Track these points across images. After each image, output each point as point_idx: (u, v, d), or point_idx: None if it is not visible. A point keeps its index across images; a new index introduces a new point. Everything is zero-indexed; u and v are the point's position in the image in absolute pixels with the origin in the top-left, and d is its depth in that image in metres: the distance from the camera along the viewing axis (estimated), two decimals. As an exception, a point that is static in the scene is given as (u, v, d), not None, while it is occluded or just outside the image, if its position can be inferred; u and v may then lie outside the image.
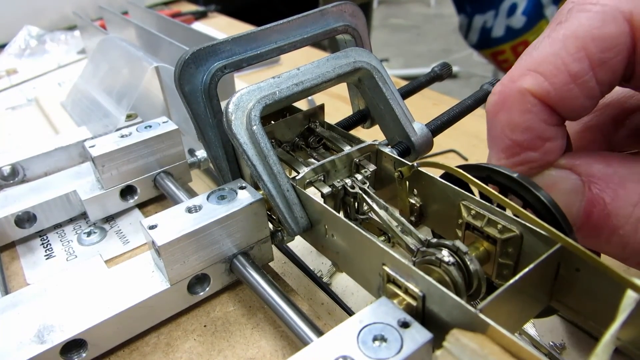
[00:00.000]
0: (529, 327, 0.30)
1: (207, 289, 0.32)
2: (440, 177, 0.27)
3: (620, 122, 0.29)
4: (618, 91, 0.28)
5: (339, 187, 0.29)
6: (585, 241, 0.24)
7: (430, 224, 0.30)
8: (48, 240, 0.41)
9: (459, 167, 0.25)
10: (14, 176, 0.46)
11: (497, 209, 0.24)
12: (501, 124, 0.24)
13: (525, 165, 0.25)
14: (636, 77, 0.23)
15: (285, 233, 0.33)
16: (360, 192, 0.29)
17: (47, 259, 0.39)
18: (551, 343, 0.30)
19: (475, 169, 0.25)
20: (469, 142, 0.55)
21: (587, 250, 0.20)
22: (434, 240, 0.24)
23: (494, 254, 0.25)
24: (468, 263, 0.23)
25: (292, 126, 0.35)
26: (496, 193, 0.23)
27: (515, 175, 0.23)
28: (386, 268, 0.24)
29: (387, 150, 0.31)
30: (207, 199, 0.32)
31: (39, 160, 0.47)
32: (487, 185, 0.24)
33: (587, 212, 0.23)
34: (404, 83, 0.40)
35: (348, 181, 0.30)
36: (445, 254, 0.23)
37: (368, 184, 0.30)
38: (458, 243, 0.23)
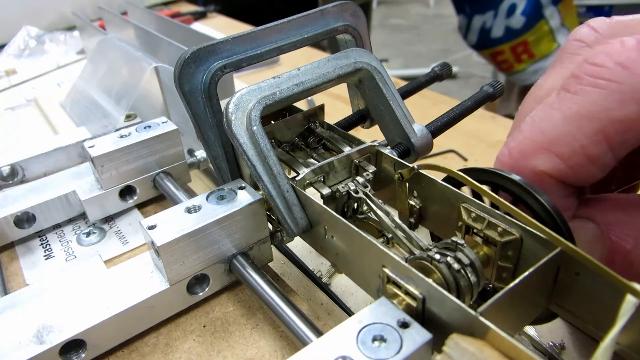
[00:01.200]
0: (529, 327, 0.30)
1: (207, 289, 0.32)
2: (443, 179, 0.27)
3: None
4: None
5: (343, 193, 0.29)
6: None
7: (430, 226, 0.30)
8: (47, 241, 0.41)
9: (461, 170, 0.25)
10: (13, 176, 0.46)
11: (497, 211, 0.24)
12: None
13: None
14: None
15: (285, 234, 0.33)
16: (363, 196, 0.29)
17: (46, 259, 0.39)
18: (551, 343, 0.30)
19: (476, 172, 0.25)
20: (468, 142, 0.55)
21: (587, 254, 0.20)
22: (434, 248, 0.24)
23: (493, 257, 0.25)
24: (469, 275, 0.22)
25: (292, 126, 0.35)
26: (498, 197, 0.23)
27: (517, 178, 0.23)
28: (386, 270, 0.24)
29: (387, 151, 0.31)
30: (207, 199, 0.32)
31: (38, 160, 0.47)
32: (486, 188, 0.24)
33: (609, 260, 0.23)
34: (403, 83, 0.40)
35: (352, 185, 0.30)
36: (438, 257, 0.23)
37: (370, 187, 0.30)
38: (460, 255, 0.23)
